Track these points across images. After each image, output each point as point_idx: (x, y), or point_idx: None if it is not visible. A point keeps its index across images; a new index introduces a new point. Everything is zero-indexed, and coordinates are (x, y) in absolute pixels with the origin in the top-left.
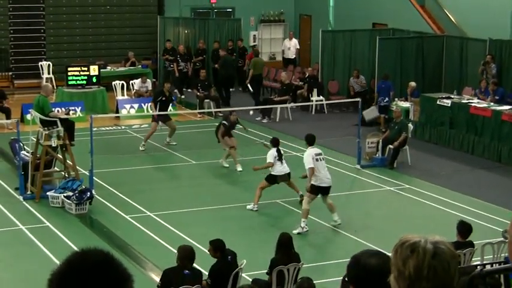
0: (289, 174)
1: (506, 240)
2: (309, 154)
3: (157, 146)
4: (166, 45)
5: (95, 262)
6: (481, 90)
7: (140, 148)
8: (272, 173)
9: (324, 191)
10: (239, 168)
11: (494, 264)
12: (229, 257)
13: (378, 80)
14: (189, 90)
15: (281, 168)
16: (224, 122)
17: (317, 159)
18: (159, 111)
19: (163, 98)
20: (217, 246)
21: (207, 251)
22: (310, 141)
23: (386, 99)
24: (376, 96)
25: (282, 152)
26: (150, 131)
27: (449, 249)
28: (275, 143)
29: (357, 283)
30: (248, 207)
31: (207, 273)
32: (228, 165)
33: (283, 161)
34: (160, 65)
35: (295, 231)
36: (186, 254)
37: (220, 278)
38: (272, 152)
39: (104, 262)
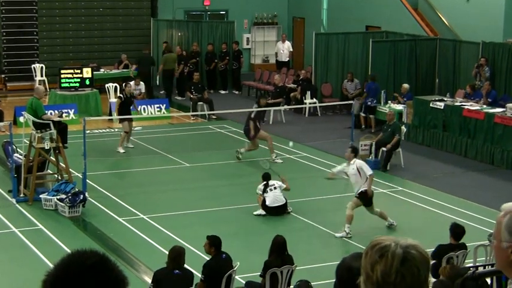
0: (284, 205)
1: (493, 244)
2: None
3: (150, 148)
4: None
5: (90, 263)
6: (469, 95)
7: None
8: (266, 203)
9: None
10: (121, 151)
11: (486, 266)
12: (223, 255)
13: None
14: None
15: (272, 199)
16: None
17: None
18: None
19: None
20: (213, 242)
21: (202, 246)
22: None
23: (375, 100)
24: (364, 97)
25: (270, 184)
26: None
27: (420, 253)
28: (263, 177)
29: (342, 284)
30: (255, 212)
31: (197, 273)
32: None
33: (274, 191)
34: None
35: (337, 235)
36: (176, 255)
37: (212, 274)
38: (259, 187)
39: (99, 264)
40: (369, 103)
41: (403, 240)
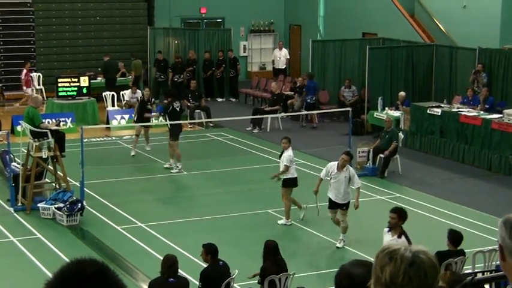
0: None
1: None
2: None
3: (147, 156)
4: (158, 57)
5: (90, 272)
6: (468, 100)
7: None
8: (289, 176)
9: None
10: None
11: (485, 273)
12: (220, 262)
13: (365, 88)
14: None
15: (294, 171)
16: None
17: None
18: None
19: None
20: (208, 250)
21: (199, 256)
22: None
23: (314, 97)
24: (304, 95)
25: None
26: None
27: (429, 259)
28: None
29: None
30: (280, 222)
31: (195, 282)
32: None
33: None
34: (150, 76)
35: (339, 245)
36: (170, 264)
37: (210, 282)
38: (289, 154)
39: (99, 272)
40: (309, 100)
41: (414, 246)
